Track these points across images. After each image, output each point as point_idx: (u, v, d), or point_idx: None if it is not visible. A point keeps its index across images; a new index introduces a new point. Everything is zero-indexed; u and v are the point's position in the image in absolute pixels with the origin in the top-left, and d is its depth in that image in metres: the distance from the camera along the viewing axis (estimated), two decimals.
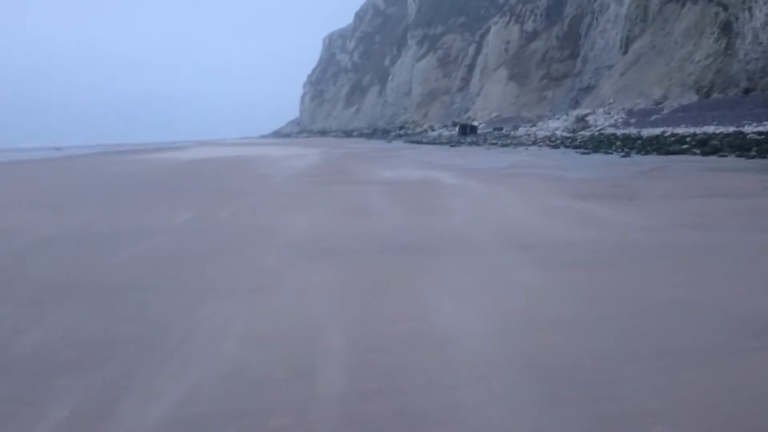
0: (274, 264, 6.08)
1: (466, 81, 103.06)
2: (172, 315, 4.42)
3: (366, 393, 3.09)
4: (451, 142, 53.47)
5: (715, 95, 39.31)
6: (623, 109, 46.49)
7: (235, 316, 4.36)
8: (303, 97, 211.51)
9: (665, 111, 41.35)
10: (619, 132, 39.25)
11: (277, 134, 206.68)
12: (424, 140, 66.34)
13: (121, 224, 8.93)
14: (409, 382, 3.21)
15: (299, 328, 4.08)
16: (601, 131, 42.45)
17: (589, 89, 60.82)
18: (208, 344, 3.82)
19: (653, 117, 41.07)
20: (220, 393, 3.12)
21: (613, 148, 30.16)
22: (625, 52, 55.04)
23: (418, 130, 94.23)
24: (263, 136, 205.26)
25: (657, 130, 35.45)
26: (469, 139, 57.10)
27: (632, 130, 38.44)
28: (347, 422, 2.80)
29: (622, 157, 24.67)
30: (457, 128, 72.20)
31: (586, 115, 50.30)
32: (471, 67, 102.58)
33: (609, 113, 47.86)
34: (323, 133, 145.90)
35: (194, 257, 6.54)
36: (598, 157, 25.28)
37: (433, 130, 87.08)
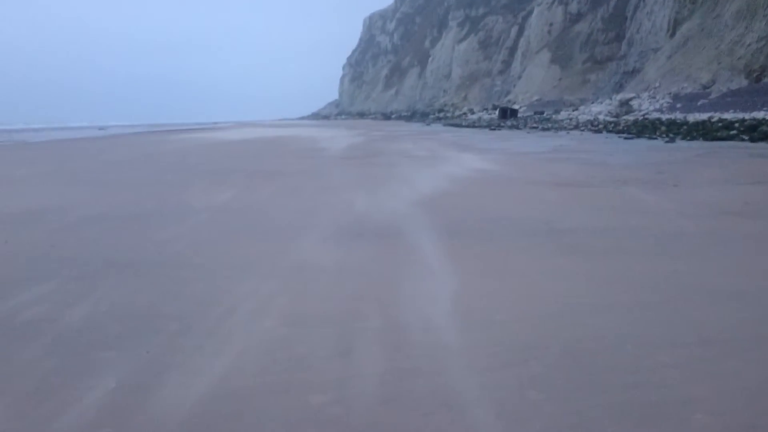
0: (315, 243, 6.13)
1: (507, 63, 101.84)
2: (213, 292, 4.50)
3: (404, 372, 3.11)
4: (490, 126, 52.94)
5: (766, 80, 38.10)
6: (669, 93, 45.44)
7: (275, 294, 4.42)
8: (342, 79, 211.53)
9: (713, 95, 40.28)
10: (664, 117, 38.40)
11: (316, 116, 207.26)
12: (464, 123, 65.83)
13: (164, 202, 9.09)
14: (447, 362, 3.21)
15: (339, 307, 4.12)
16: (646, 116, 41.59)
17: (633, 73, 59.57)
18: (249, 321, 3.88)
19: (700, 102, 40.05)
20: (261, 369, 3.17)
21: (658, 133, 29.53)
22: (672, 35, 53.68)
23: (457, 113, 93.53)
24: (302, 118, 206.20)
25: (704, 115, 34.55)
26: (509, 123, 56.48)
27: (678, 115, 37.56)
28: (385, 400, 2.82)
29: (667, 142, 24.16)
30: (497, 111, 71.48)
31: (630, 99, 49.32)
32: (512, 50, 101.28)
33: (654, 97, 46.83)
34: (362, 115, 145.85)
35: (236, 235, 6.63)
36: (641, 143, 24.79)
37: (473, 113, 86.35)
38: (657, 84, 49.24)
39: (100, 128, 75.47)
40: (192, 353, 3.38)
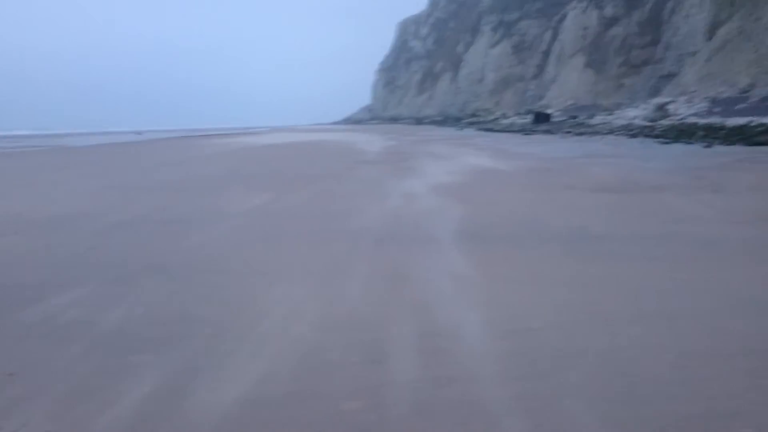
0: (349, 248, 6.12)
1: (540, 68, 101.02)
2: (246, 297, 4.52)
3: (438, 380, 3.07)
4: (524, 130, 52.52)
5: None
6: (706, 98, 44.58)
7: (308, 299, 4.42)
8: (375, 84, 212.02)
9: (752, 99, 39.38)
10: (702, 121, 37.63)
11: (349, 120, 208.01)
12: (496, 128, 65.42)
13: (198, 207, 9.19)
14: (482, 370, 3.17)
15: (371, 312, 4.10)
16: (682, 120, 40.84)
17: (670, 77, 58.59)
18: (281, 327, 3.88)
19: (739, 106, 39.17)
20: (294, 375, 3.17)
21: (695, 138, 28.95)
22: (710, 38, 52.67)
23: (490, 117, 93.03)
24: (335, 123, 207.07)
25: (743, 120, 33.76)
26: (542, 128, 55.96)
27: (716, 120, 36.77)
28: (419, 408, 2.79)
29: (705, 147, 23.66)
30: (530, 116, 70.93)
31: (667, 103, 48.50)
32: (546, 54, 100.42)
33: (691, 102, 45.99)
34: (394, 120, 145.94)
35: (269, 240, 6.66)
36: (678, 147, 24.34)
37: (506, 117, 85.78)
38: (694, 88, 48.37)
39: (138, 133, 77.01)
40: (224, 358, 3.39)
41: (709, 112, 41.10)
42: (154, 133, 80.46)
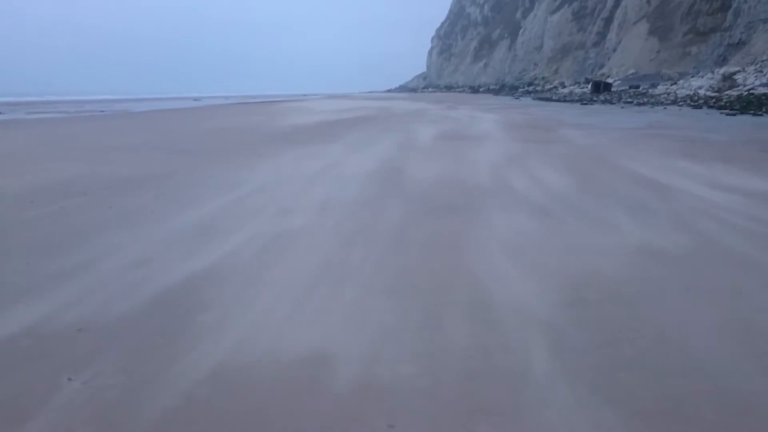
0: (409, 214, 6.17)
1: (602, 35, 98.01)
2: (303, 262, 4.62)
3: (493, 348, 3.11)
4: (582, 100, 51.30)
5: None
6: None
7: (361, 264, 4.50)
8: (430, 52, 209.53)
9: None
10: None
11: (403, 89, 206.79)
12: (554, 97, 64.13)
13: (260, 170, 9.33)
14: (537, 340, 3.19)
15: (426, 279, 4.16)
16: (751, 91, 39.21)
17: (739, 45, 56.12)
18: (336, 290, 3.97)
19: None
20: (348, 338, 3.26)
21: (764, 109, 27.83)
22: None
23: (547, 86, 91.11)
24: (389, 91, 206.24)
25: None
26: (602, 97, 54.55)
27: None
28: (472, 375, 2.84)
29: None
30: (589, 85, 69.16)
31: (735, 73, 46.60)
32: (608, 21, 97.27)
33: (761, 71, 44.05)
34: (449, 88, 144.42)
35: (326, 203, 6.75)
36: (745, 119, 23.43)
37: (564, 86, 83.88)
38: (765, 57, 46.27)
39: (195, 99, 78.67)
40: (283, 322, 3.50)
41: None
42: (211, 99, 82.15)
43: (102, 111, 38.04)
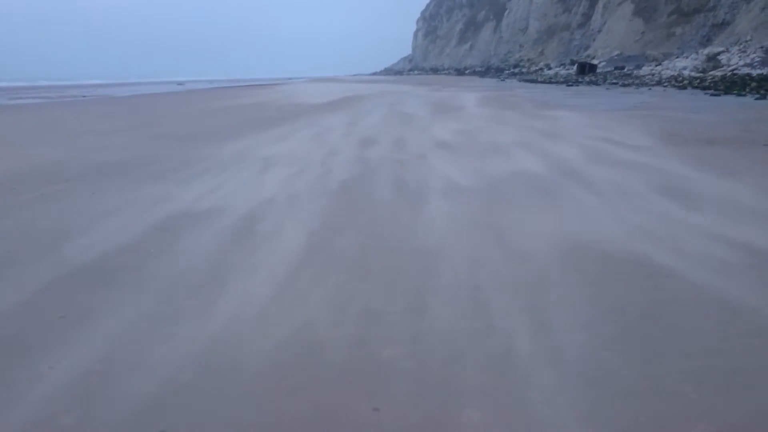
0: (400, 198, 6.16)
1: (587, 17, 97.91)
2: (286, 244, 4.61)
3: (476, 331, 3.12)
4: (567, 82, 51.36)
5: None
6: (761, 47, 42.80)
7: (347, 248, 4.49)
8: (416, 34, 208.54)
9: None
10: (755, 72, 36.25)
11: (389, 71, 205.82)
12: (539, 79, 64.12)
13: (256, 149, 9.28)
14: (520, 322, 3.21)
15: (410, 262, 4.16)
16: (735, 71, 39.41)
17: (723, 25, 56.29)
18: (320, 275, 3.97)
19: None
20: (335, 322, 3.25)
21: (747, 89, 27.97)
22: None
23: (533, 68, 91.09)
24: (374, 73, 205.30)
25: None
26: (587, 79, 54.63)
27: None
28: (455, 357, 2.84)
29: (757, 99, 22.85)
30: (574, 67, 69.23)
31: (719, 53, 46.79)
32: (593, 2, 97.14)
33: (744, 51, 44.24)
34: (435, 70, 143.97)
35: (306, 190, 6.73)
36: (729, 99, 23.54)
37: (549, 68, 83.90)
38: (749, 37, 46.45)
39: (179, 83, 77.62)
40: (269, 305, 3.49)
41: (764, 62, 39.59)
42: (194, 83, 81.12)
43: (84, 96, 37.60)
